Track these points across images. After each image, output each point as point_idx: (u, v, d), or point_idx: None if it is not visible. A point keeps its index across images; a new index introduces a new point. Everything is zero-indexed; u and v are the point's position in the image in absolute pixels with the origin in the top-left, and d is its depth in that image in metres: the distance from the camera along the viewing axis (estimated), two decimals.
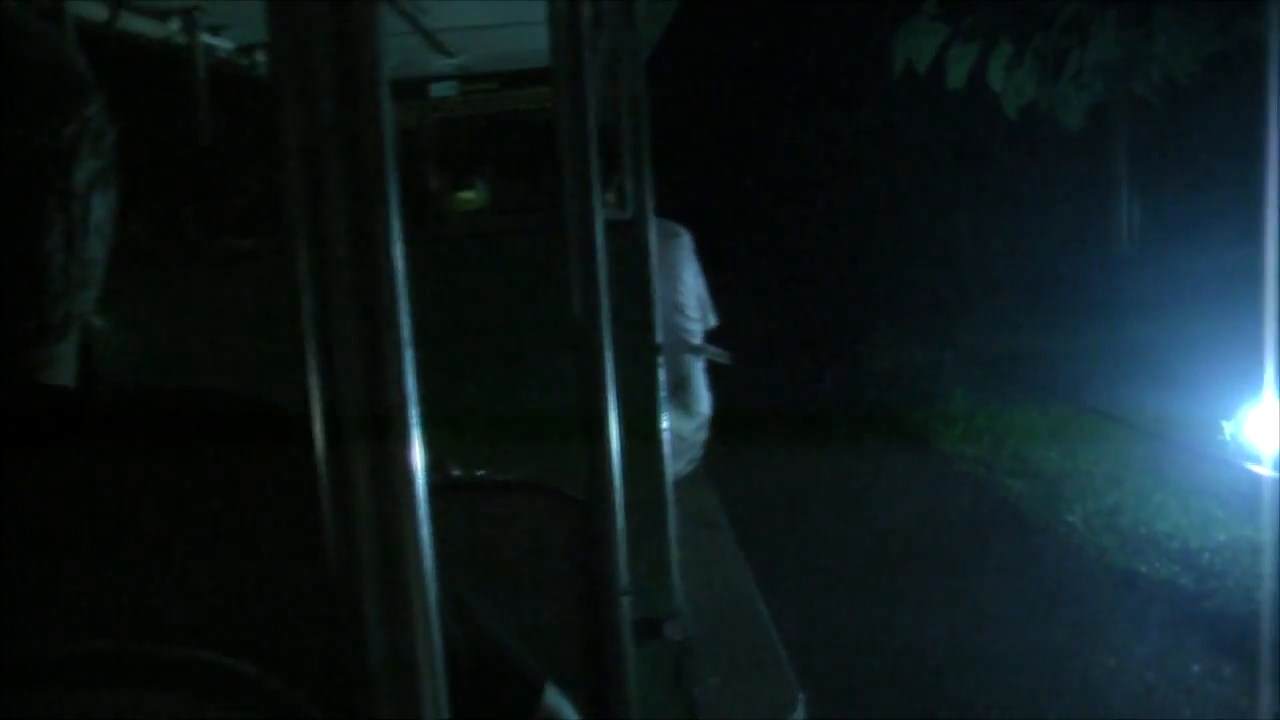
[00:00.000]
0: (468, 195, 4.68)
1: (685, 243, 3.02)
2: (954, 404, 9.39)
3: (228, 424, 0.78)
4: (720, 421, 8.11)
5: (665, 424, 2.35)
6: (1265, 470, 6.27)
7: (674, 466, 2.74)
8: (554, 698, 0.92)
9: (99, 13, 3.10)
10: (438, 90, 5.56)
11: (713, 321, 3.17)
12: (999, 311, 13.11)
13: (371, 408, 0.47)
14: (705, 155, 17.98)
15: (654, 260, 2.29)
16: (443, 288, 2.27)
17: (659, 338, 2.29)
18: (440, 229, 2.85)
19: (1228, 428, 7.17)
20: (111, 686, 0.61)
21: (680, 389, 2.97)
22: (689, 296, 3.04)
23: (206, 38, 3.83)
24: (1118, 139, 14.25)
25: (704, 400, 3.15)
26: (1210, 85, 10.56)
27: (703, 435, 3.19)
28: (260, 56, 4.20)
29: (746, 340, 12.07)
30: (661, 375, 2.31)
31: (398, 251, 0.47)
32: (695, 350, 3.07)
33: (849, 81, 16.91)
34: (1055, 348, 10.93)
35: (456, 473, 1.63)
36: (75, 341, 0.78)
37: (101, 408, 0.77)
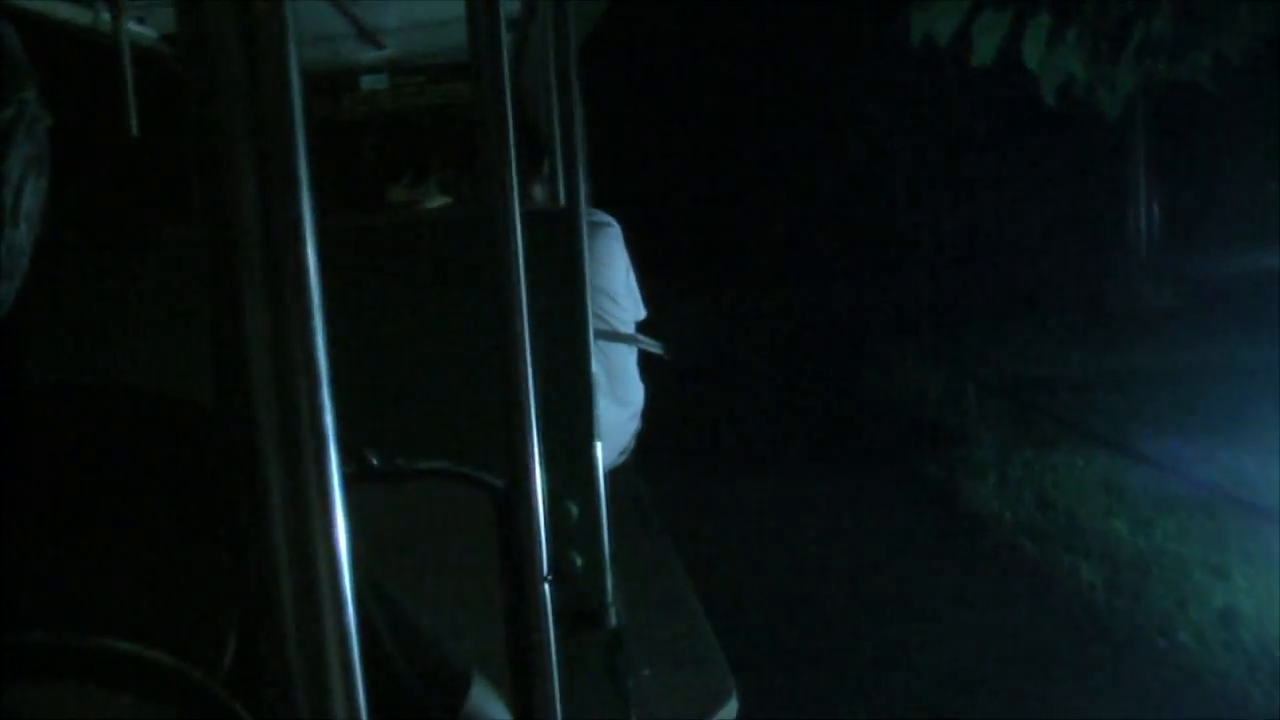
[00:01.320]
0: (403, 187, 4.66)
1: (615, 233, 3.03)
2: (980, 447, 7.72)
3: (139, 418, 0.77)
4: (683, 462, 7.22)
5: (597, 413, 2.35)
6: None
7: (607, 457, 2.74)
8: (482, 691, 0.91)
9: None
10: (368, 82, 5.55)
11: (643, 314, 3.17)
12: (1010, 326, 11.75)
13: (282, 397, 0.47)
14: (688, 146, 17.26)
15: (586, 250, 2.29)
16: (373, 276, 2.26)
17: (590, 325, 2.29)
18: (371, 219, 2.84)
19: None
20: (22, 680, 0.61)
21: (612, 379, 2.96)
22: (619, 286, 3.04)
23: (132, 26, 3.78)
24: (1136, 133, 13.00)
25: (636, 390, 3.15)
26: (1240, 73, 9.60)
27: (635, 425, 3.19)
28: None
29: (725, 355, 11.61)
30: (594, 365, 2.31)
31: (309, 237, 0.47)
32: (628, 340, 3.07)
33: (845, 66, 16.09)
34: (1081, 372, 9.73)
35: (374, 461, 1.61)
36: None
37: (10, 403, 0.76)
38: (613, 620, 2.35)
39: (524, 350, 1.44)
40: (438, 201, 3.35)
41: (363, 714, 0.50)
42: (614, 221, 3.04)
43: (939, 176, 16.69)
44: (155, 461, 0.74)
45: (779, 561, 5.97)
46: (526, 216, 1.50)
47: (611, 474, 3.01)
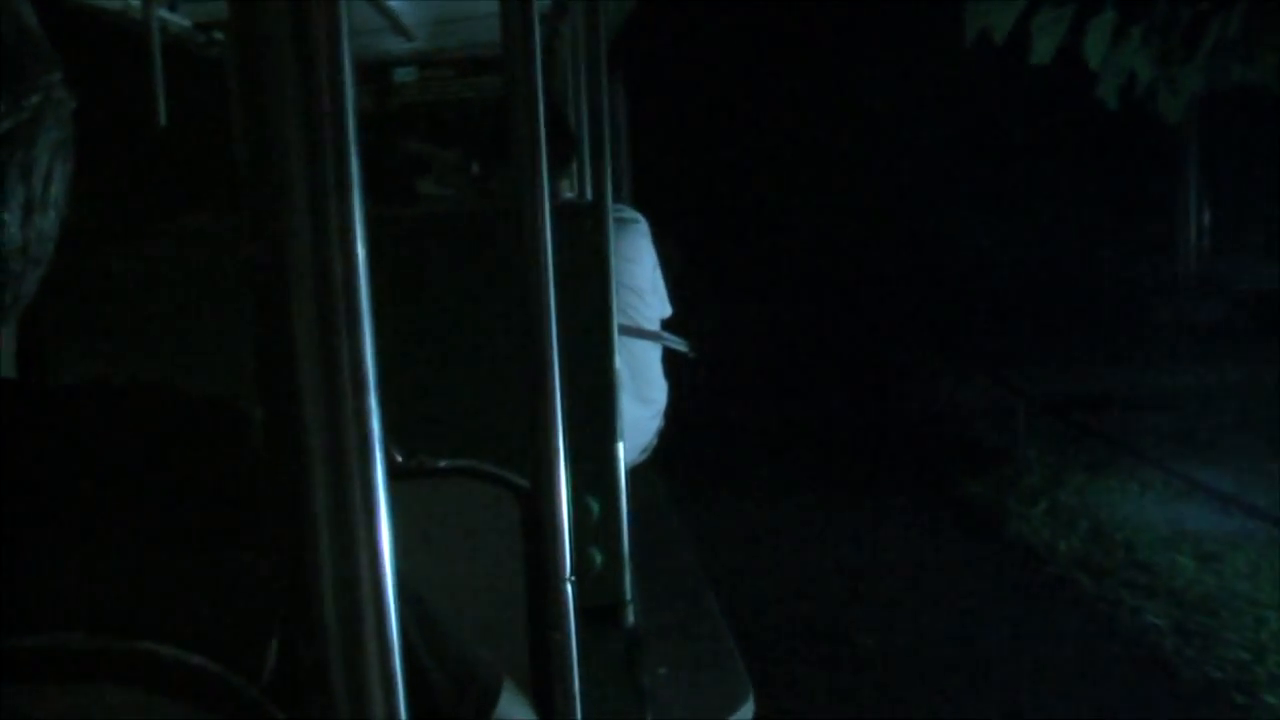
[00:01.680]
0: (433, 180, 4.67)
1: (643, 229, 3.02)
2: (1028, 470, 7.13)
3: (176, 419, 0.77)
4: (710, 481, 6.94)
5: (620, 411, 2.34)
6: None
7: (630, 455, 2.73)
8: (511, 700, 0.91)
9: None
10: (401, 75, 5.57)
11: (668, 311, 3.16)
12: (1053, 339, 11.00)
13: (329, 400, 0.46)
14: (723, 149, 17.04)
15: (611, 246, 2.29)
16: (397, 271, 2.26)
17: (614, 323, 2.29)
18: (396, 213, 2.84)
19: None
20: (62, 682, 0.60)
21: (636, 376, 2.96)
22: (645, 283, 3.03)
23: (163, 13, 3.79)
24: (1187, 140, 12.47)
25: (659, 388, 3.14)
26: None
27: (657, 423, 3.18)
28: (218, 34, 4.17)
29: (753, 366, 11.23)
30: (617, 362, 2.31)
31: (360, 239, 0.46)
32: (652, 337, 3.06)
33: (887, 71, 15.84)
34: (1130, 389, 9.15)
35: (399, 459, 1.61)
36: (13, 327, 0.76)
37: (44, 403, 0.75)
38: (631, 618, 2.34)
39: (551, 347, 1.43)
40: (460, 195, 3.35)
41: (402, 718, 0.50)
42: (641, 218, 3.03)
43: (980, 184, 16.28)
44: (194, 464, 0.74)
45: (812, 594, 5.47)
46: (554, 212, 1.49)
47: (632, 472, 3.01)
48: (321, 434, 0.46)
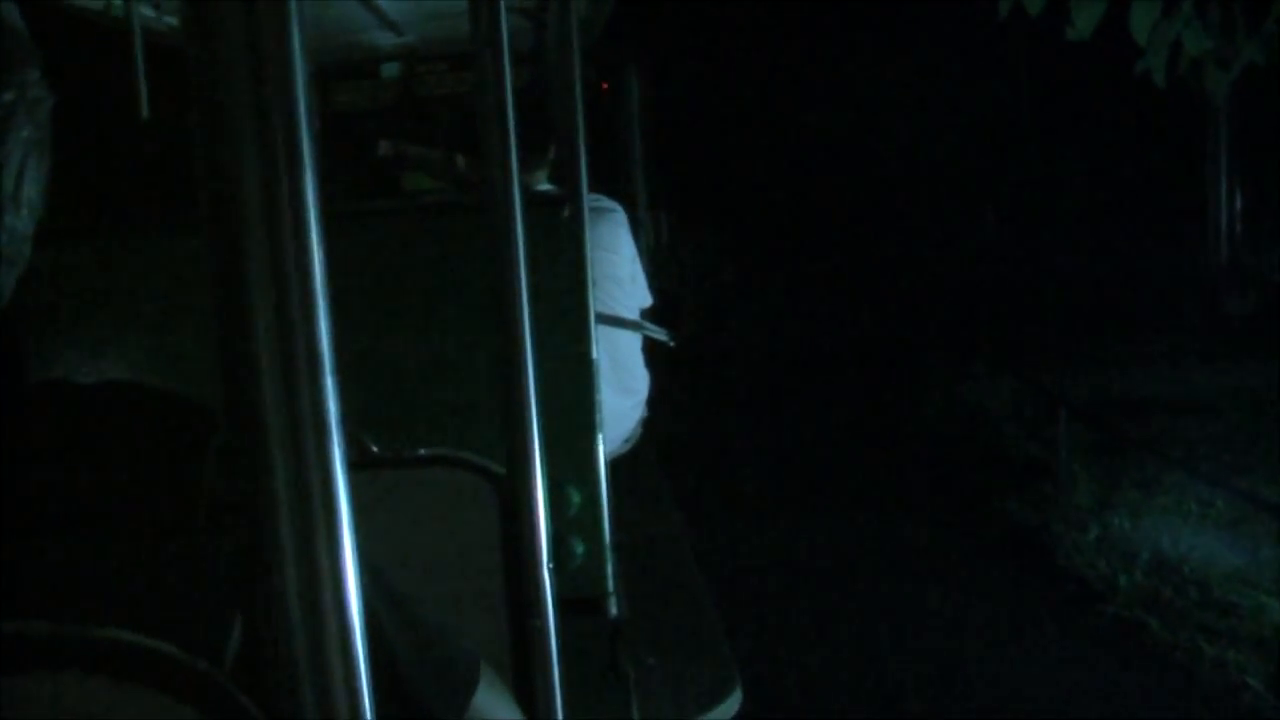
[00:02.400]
0: (421, 174, 4.67)
1: (620, 218, 3.02)
2: (1074, 486, 6.32)
3: (141, 415, 0.77)
4: (726, 497, 6.52)
5: (600, 401, 2.35)
6: None
7: (611, 445, 2.74)
8: (490, 687, 0.91)
9: None
10: (387, 70, 5.55)
11: (649, 300, 3.17)
12: (1082, 338, 10.19)
13: (288, 389, 0.47)
14: (743, 140, 16.75)
15: (588, 235, 2.29)
16: (372, 262, 2.26)
17: (591, 313, 2.29)
18: (370, 205, 2.84)
19: None
20: (24, 670, 0.61)
21: (616, 366, 2.96)
22: (625, 272, 3.04)
23: (145, 10, 3.79)
24: (1218, 124, 11.57)
25: (641, 378, 3.15)
26: None
27: (639, 413, 3.19)
28: None
29: (771, 371, 10.33)
30: (597, 352, 2.31)
31: (315, 227, 0.47)
32: (633, 326, 3.07)
33: (910, 59, 15.37)
34: (1169, 391, 8.33)
35: (374, 448, 1.62)
36: None
37: (19, 400, 0.75)
38: (613, 610, 2.35)
39: (524, 336, 1.44)
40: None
41: (367, 705, 0.50)
42: (619, 207, 3.04)
43: (1002, 173, 15.82)
44: (157, 456, 0.74)
45: (840, 632, 4.82)
46: (528, 202, 1.50)
47: (617, 462, 3.02)
48: (279, 417, 0.47)
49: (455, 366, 2.24)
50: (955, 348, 10.15)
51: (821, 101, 16.61)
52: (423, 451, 1.65)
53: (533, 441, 1.46)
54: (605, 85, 7.85)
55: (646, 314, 3.14)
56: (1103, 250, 13.57)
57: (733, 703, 2.98)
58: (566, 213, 2.29)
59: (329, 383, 0.48)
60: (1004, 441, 7.59)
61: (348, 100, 5.62)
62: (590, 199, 2.39)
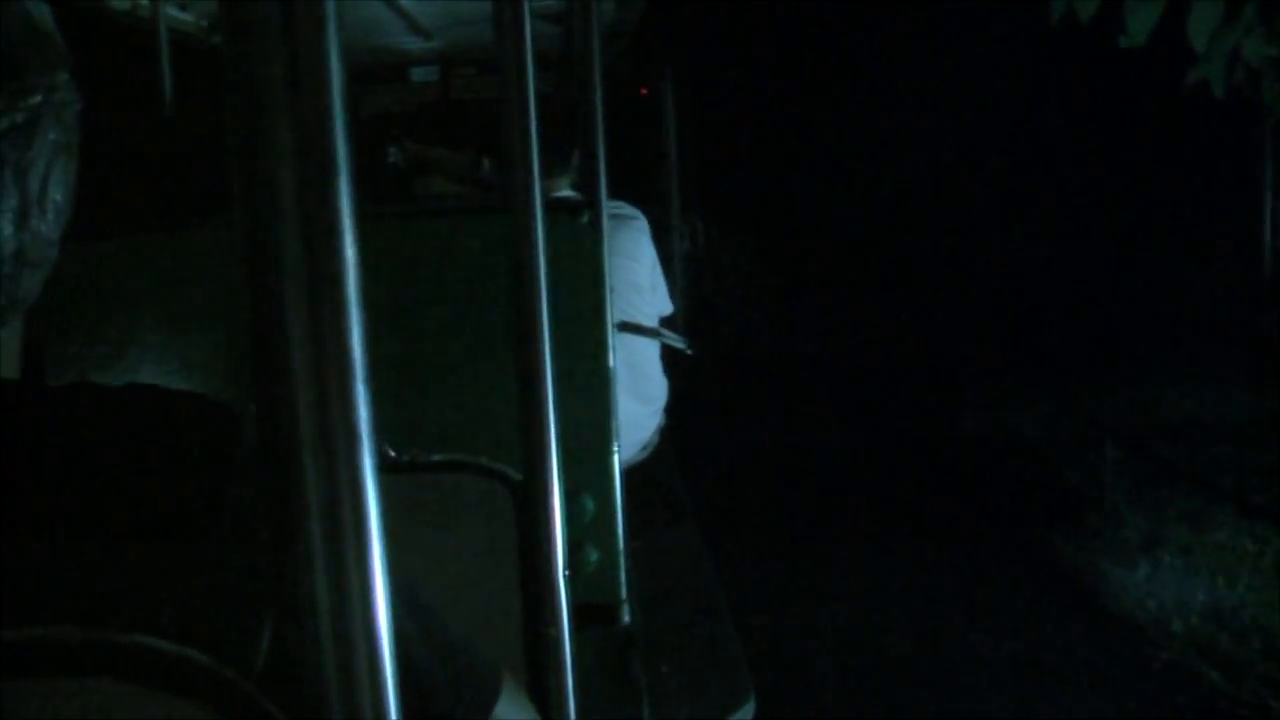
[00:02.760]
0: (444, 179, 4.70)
1: (641, 225, 3.02)
2: (1120, 520, 5.88)
3: (169, 418, 0.77)
4: (748, 526, 6.07)
5: (616, 408, 2.35)
6: None
7: (628, 453, 2.74)
8: (511, 698, 0.91)
9: None
10: (418, 75, 5.59)
11: (669, 308, 3.17)
12: (1121, 358, 9.57)
13: (319, 394, 0.47)
14: (772, 148, 16.61)
15: (606, 241, 2.30)
16: (391, 267, 2.27)
17: (611, 320, 2.30)
18: (389, 210, 2.85)
19: None
20: (53, 675, 0.61)
21: (635, 373, 2.97)
22: (644, 279, 3.04)
23: (173, 11, 3.81)
24: (1264, 140, 10.83)
25: (659, 385, 3.15)
26: None
27: (656, 421, 3.19)
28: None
29: (796, 393, 9.72)
30: (613, 358, 2.32)
31: (350, 233, 0.47)
32: (651, 334, 3.07)
33: (944, 68, 15.16)
34: (1215, 416, 7.89)
35: (392, 453, 1.62)
36: (18, 328, 0.76)
37: (44, 402, 0.76)
38: (626, 617, 2.35)
39: (543, 342, 1.44)
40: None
41: (393, 713, 0.50)
42: (640, 214, 3.04)
43: (1041, 185, 15.57)
44: (185, 461, 0.74)
45: (870, 671, 4.50)
46: (547, 208, 1.50)
47: (637, 470, 3.02)
48: (310, 424, 0.47)
49: (472, 372, 2.24)
50: (990, 364, 9.68)
51: (861, 108, 16.43)
52: (438, 457, 1.65)
53: (549, 447, 1.46)
54: (644, 90, 7.81)
55: (666, 322, 3.15)
56: (1148, 271, 12.84)
57: (747, 711, 2.97)
58: (586, 219, 2.30)
59: (361, 390, 0.48)
60: (1043, 467, 7.14)
61: (376, 103, 5.65)
62: (611, 206, 2.39)
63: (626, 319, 2.85)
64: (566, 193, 3.07)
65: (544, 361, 1.44)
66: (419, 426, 2.18)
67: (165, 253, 2.39)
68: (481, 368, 2.23)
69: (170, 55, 3.63)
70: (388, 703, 0.50)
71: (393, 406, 2.10)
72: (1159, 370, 9.07)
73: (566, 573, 1.50)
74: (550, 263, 1.47)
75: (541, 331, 1.43)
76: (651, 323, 3.06)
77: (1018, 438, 7.80)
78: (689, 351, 3.22)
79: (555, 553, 1.48)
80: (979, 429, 8.21)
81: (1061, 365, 9.46)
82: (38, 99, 0.71)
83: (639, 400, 3.01)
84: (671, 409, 3.28)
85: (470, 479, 1.61)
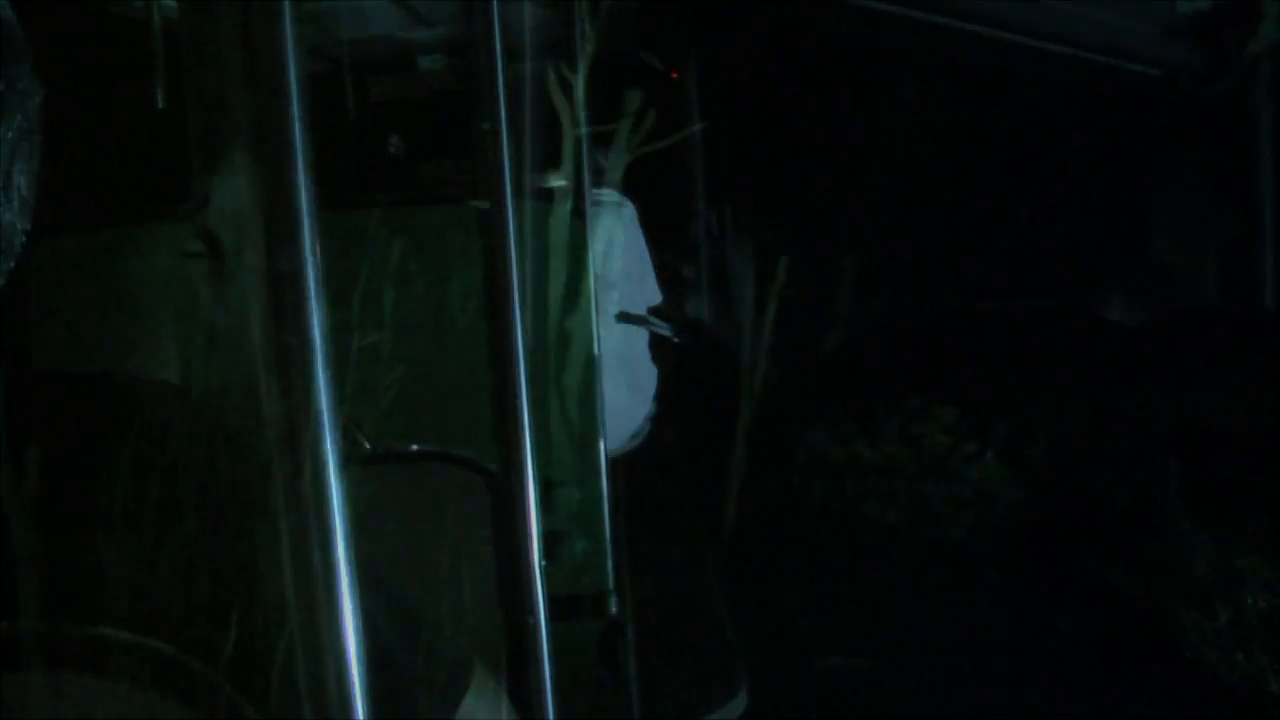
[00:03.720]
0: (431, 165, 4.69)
1: (630, 213, 3.01)
2: (1187, 548, 5.01)
3: (135, 411, 0.77)
4: (774, 544, 5.54)
5: (603, 397, 2.33)
6: None
7: (617, 442, 2.72)
8: (482, 685, 0.91)
9: None
10: (425, 63, 5.59)
11: (658, 297, 3.15)
12: (1151, 354, 8.38)
13: (282, 387, 0.47)
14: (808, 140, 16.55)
15: (589, 230, 2.28)
16: (371, 259, 2.26)
17: (596, 308, 2.28)
18: (369, 203, 2.85)
19: None
20: (18, 668, 0.61)
21: (624, 362, 2.95)
22: (632, 267, 3.03)
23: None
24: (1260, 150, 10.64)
25: (648, 374, 3.13)
26: None
27: (646, 410, 3.17)
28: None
29: (812, 398, 10.06)
30: (598, 348, 2.30)
31: (307, 223, 0.46)
32: (639, 322, 3.05)
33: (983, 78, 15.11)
34: (1267, 424, 6.20)
35: (368, 445, 1.61)
36: None
37: (8, 391, 0.75)
38: (614, 607, 2.34)
39: (517, 332, 1.43)
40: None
41: (360, 702, 0.50)
42: (628, 201, 3.02)
43: (1070, 180, 15.53)
44: (153, 453, 0.74)
45: None
46: (534, 196, 1.50)
47: (624, 459, 3.00)
48: (274, 413, 0.47)
49: (450, 363, 2.23)
50: (1018, 362, 8.34)
51: (890, 103, 16.43)
52: (416, 448, 1.64)
53: (525, 438, 1.45)
54: (675, 74, 7.52)
55: (655, 311, 3.12)
56: (1173, 264, 11.49)
57: (738, 704, 2.96)
58: (570, 207, 2.28)
59: (322, 379, 0.48)
60: (1092, 484, 6.23)
61: (379, 94, 5.66)
62: (599, 193, 2.37)
63: (615, 308, 2.83)
64: (559, 182, 3.05)
65: (518, 351, 1.44)
66: (396, 418, 2.17)
67: (130, 245, 2.38)
68: (460, 359, 2.22)
69: (134, 46, 3.62)
70: (354, 692, 0.50)
71: (370, 398, 2.09)
72: (1181, 366, 7.85)
73: (543, 563, 1.50)
74: (536, 252, 1.47)
75: (514, 321, 1.42)
76: (639, 311, 3.04)
77: (1061, 445, 6.66)
78: (676, 339, 3.21)
79: (531, 543, 1.48)
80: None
81: (1092, 357, 8.37)
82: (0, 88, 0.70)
83: (629, 389, 3.00)
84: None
85: (448, 470, 1.61)
